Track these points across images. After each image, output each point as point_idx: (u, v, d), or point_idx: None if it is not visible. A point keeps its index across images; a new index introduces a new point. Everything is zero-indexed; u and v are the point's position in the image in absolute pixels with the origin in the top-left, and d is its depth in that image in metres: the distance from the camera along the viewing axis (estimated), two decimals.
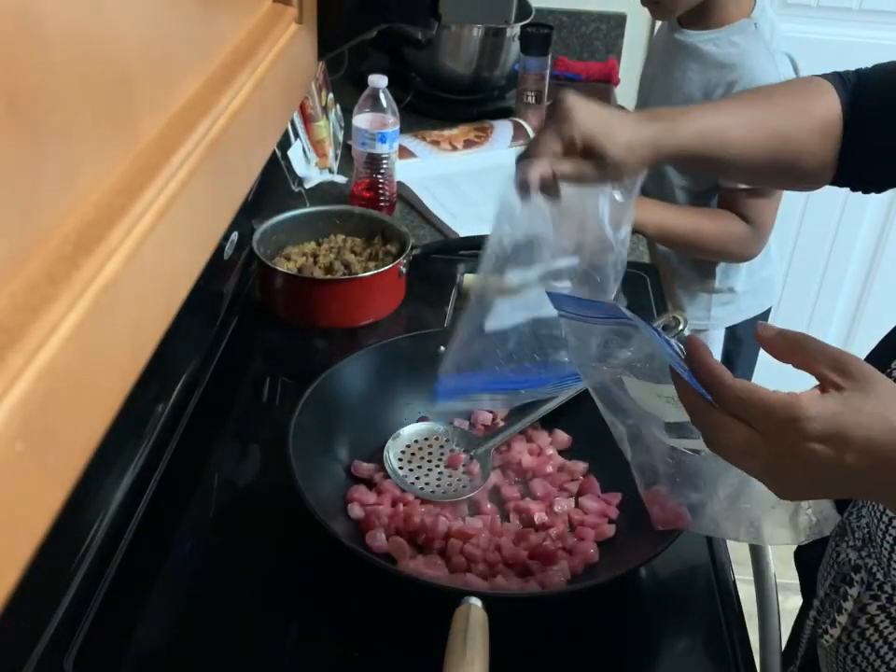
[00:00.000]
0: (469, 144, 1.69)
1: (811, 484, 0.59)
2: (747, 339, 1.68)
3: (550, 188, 0.77)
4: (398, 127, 1.46)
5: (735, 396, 0.56)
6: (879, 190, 0.89)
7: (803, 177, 0.88)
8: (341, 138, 1.69)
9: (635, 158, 0.78)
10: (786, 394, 0.56)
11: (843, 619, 0.77)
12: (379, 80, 1.43)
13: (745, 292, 1.62)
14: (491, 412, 1.04)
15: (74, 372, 0.30)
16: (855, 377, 0.56)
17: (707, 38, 1.43)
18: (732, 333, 1.67)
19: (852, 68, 0.87)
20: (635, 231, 1.47)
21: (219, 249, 1.17)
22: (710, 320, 1.63)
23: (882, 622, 0.75)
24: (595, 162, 0.77)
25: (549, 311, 0.70)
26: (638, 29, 2.06)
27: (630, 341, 0.66)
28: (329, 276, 1.24)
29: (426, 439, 1.00)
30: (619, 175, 0.79)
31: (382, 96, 1.44)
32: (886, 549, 0.74)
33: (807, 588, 0.88)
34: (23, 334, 0.28)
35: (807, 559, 0.89)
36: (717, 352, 1.68)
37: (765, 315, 1.70)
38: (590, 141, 0.76)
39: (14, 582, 0.28)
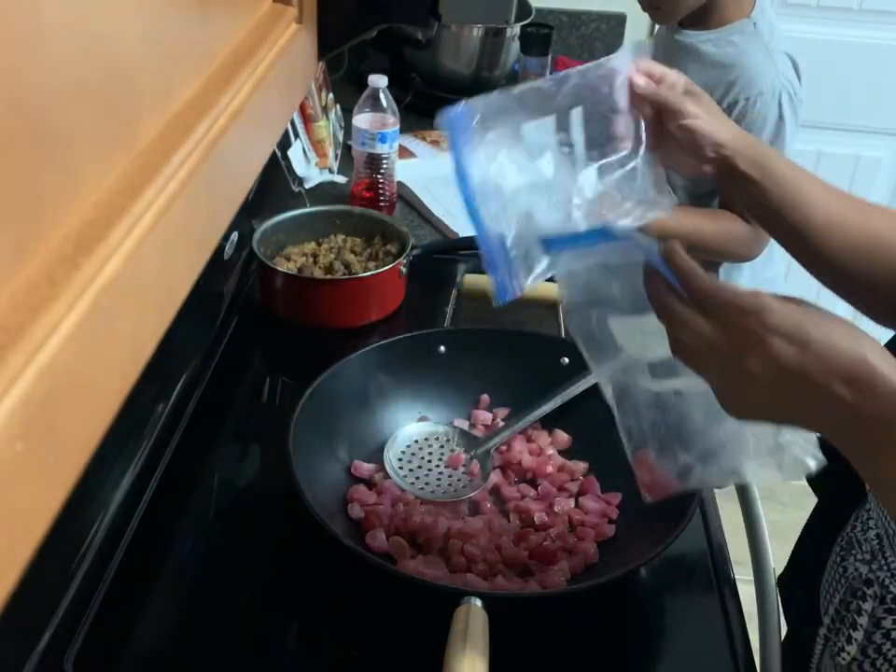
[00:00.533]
0: None
1: (765, 395, 0.58)
2: None
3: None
4: (398, 127, 1.46)
5: (705, 287, 0.58)
6: None
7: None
8: (341, 138, 1.69)
9: (719, 127, 0.76)
10: (753, 289, 0.57)
11: (858, 635, 0.76)
12: (379, 80, 1.43)
13: None
14: (491, 412, 1.04)
15: (74, 372, 0.30)
16: (803, 302, 0.58)
17: (705, 39, 1.43)
18: None
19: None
20: None
21: (219, 249, 1.17)
22: None
23: None
24: (684, 105, 0.76)
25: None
26: (638, 29, 2.06)
27: (618, 274, 0.66)
28: (329, 276, 1.24)
29: (426, 439, 1.00)
30: (692, 141, 0.77)
31: (382, 96, 1.44)
32: None
33: (798, 615, 0.87)
34: (23, 334, 0.28)
35: (797, 587, 0.88)
36: None
37: None
38: (691, 87, 0.76)
39: (14, 582, 0.28)
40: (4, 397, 0.26)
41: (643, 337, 0.66)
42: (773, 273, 1.65)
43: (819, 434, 0.62)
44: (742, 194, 0.81)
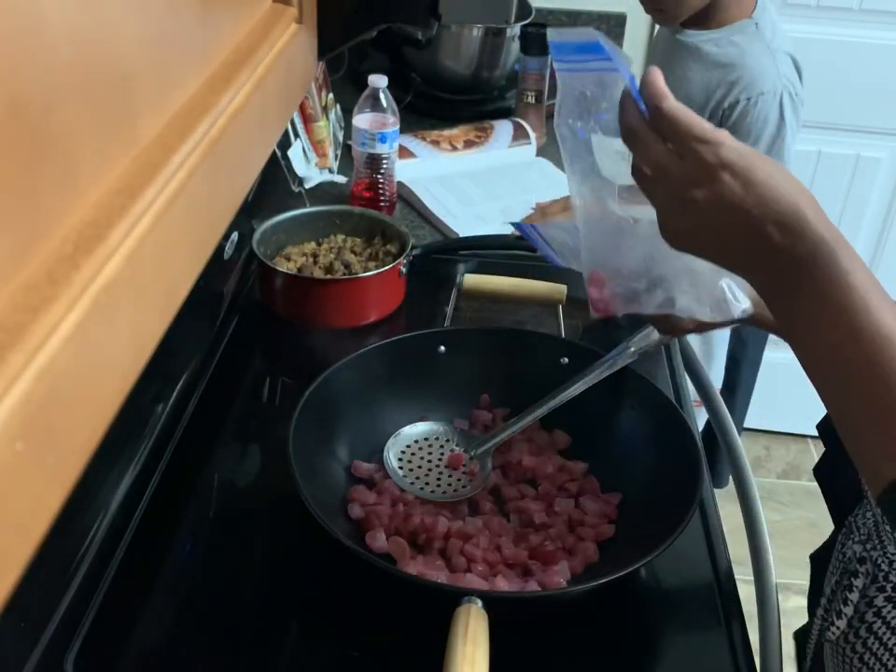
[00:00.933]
0: (469, 144, 1.69)
1: (702, 224, 0.62)
2: (751, 340, 1.69)
3: None
4: (398, 127, 1.46)
5: (669, 112, 0.61)
6: None
7: None
8: (341, 138, 1.69)
9: None
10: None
11: (849, 610, 0.77)
12: (379, 80, 1.43)
13: None
14: (491, 412, 1.04)
15: (74, 372, 0.30)
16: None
17: (707, 38, 1.42)
18: (737, 334, 1.67)
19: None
20: None
21: (219, 249, 1.17)
22: None
23: (889, 612, 0.74)
24: None
25: None
26: (638, 29, 2.06)
27: (607, 91, 0.68)
28: (329, 276, 1.24)
29: (425, 439, 1.00)
30: None
31: (382, 96, 1.44)
32: (893, 539, 0.74)
33: (815, 589, 0.88)
34: (23, 334, 0.28)
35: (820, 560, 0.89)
36: (722, 353, 1.68)
37: None
38: None
39: (14, 582, 0.28)
40: (4, 397, 0.26)
41: (618, 160, 0.69)
42: None
43: (745, 276, 0.65)
44: None
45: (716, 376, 1.69)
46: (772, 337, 1.81)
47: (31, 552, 0.28)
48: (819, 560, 0.90)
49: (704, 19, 1.42)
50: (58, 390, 0.29)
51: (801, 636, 0.89)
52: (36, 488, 0.29)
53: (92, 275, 0.32)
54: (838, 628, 0.78)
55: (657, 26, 1.87)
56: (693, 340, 1.65)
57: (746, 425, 2.00)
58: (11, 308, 0.28)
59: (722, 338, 1.66)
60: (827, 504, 0.88)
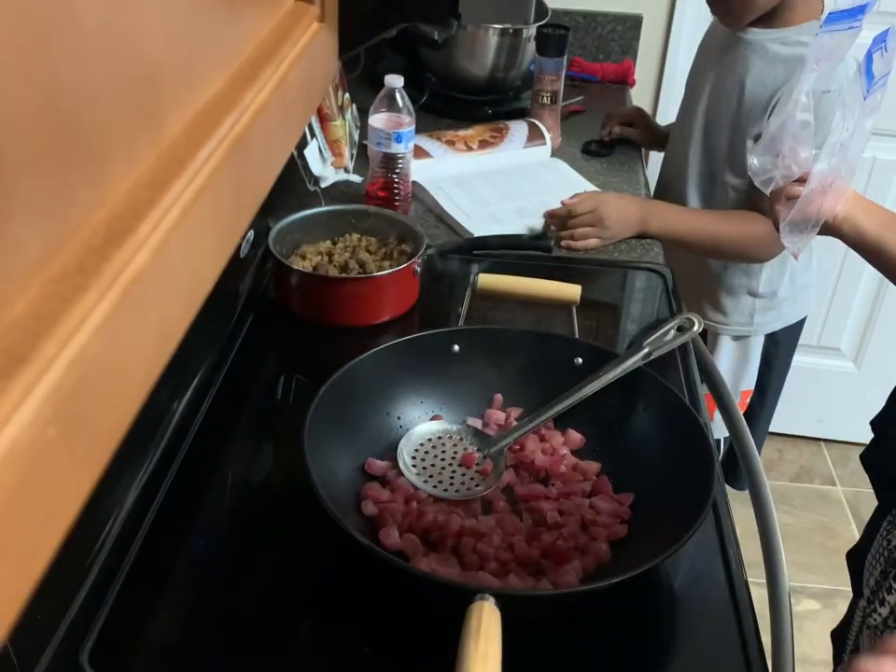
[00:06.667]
0: (484, 144, 1.70)
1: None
2: (784, 343, 1.70)
3: None
4: (413, 127, 1.46)
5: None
6: None
7: None
8: (356, 138, 1.70)
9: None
10: None
11: (892, 598, 0.78)
12: (395, 80, 1.44)
13: (786, 298, 1.62)
14: (505, 411, 1.04)
15: (103, 361, 0.31)
16: None
17: (774, 37, 1.42)
18: (771, 338, 1.68)
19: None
20: (652, 237, 1.47)
21: (235, 247, 1.18)
22: (753, 326, 1.64)
23: None
24: None
25: None
26: (654, 30, 2.06)
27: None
28: (343, 275, 1.25)
29: (439, 437, 1.01)
30: None
31: (398, 96, 1.44)
32: None
33: (855, 583, 0.89)
34: (56, 323, 0.28)
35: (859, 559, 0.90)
36: (757, 355, 1.69)
37: (802, 322, 1.71)
38: None
39: (44, 568, 0.28)
40: (37, 384, 0.27)
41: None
42: (809, 280, 1.67)
43: None
44: None
45: (749, 378, 1.70)
46: None
47: (61, 537, 0.29)
48: (855, 556, 0.90)
49: (770, 18, 1.41)
50: (88, 378, 0.30)
51: (840, 633, 0.89)
52: (66, 474, 0.29)
53: (122, 267, 0.32)
54: (880, 615, 0.79)
55: (673, 26, 1.86)
56: (729, 343, 1.66)
57: None
58: (44, 297, 0.29)
59: (757, 342, 1.68)
60: (875, 492, 0.89)
